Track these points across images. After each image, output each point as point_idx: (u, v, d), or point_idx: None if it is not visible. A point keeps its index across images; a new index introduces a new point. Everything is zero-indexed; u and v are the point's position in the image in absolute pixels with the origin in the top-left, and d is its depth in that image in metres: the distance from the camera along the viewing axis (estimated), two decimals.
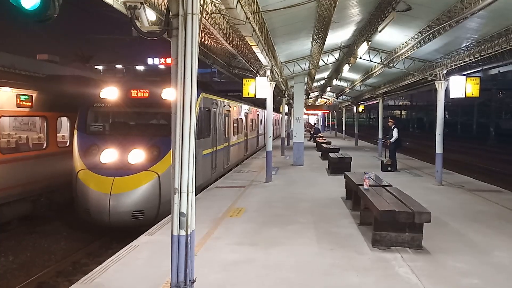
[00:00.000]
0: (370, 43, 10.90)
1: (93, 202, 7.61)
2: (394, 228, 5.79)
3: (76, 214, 8.20)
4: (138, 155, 8.18)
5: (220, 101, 12.61)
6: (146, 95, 9.06)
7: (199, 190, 9.80)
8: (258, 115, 23.19)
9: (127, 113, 9.34)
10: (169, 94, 8.62)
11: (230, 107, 14.25)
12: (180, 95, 3.54)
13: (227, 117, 13.65)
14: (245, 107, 18.04)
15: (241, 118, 16.96)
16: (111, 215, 7.44)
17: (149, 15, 4.49)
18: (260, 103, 21.20)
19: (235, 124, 15.53)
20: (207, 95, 10.88)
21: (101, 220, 7.55)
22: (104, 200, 7.48)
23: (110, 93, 9.01)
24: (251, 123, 20.16)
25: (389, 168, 14.08)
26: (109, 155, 8.22)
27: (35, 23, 3.16)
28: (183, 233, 3.59)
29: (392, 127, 14.56)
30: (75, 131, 8.95)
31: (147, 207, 7.74)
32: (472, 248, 5.96)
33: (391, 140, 14.35)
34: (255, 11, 7.15)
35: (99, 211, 7.51)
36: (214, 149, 11.57)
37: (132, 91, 9.07)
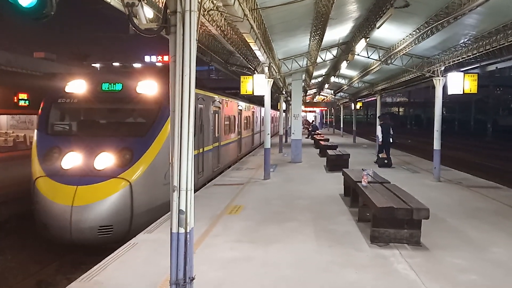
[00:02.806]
0: (368, 39, 10.89)
1: (51, 215, 6.52)
2: (392, 224, 5.80)
3: (35, 229, 7.13)
4: (106, 160, 7.08)
5: (209, 96, 11.44)
6: (119, 88, 8.02)
7: None
8: (254, 112, 21.96)
9: (96, 109, 8.25)
10: (145, 87, 7.93)
11: (221, 103, 13.10)
12: (178, 92, 3.53)
13: (217, 115, 12.45)
14: (238, 104, 17.00)
15: (234, 116, 15.80)
16: (73, 232, 6.36)
17: (147, 12, 4.46)
18: (256, 99, 20.31)
19: (227, 122, 14.37)
20: None
21: (61, 237, 6.50)
22: (65, 213, 6.39)
23: (77, 86, 7.98)
24: (245, 121, 18.94)
25: (385, 161, 14.39)
26: (72, 160, 7.11)
27: (32, 21, 3.12)
28: (182, 230, 3.58)
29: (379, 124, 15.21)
30: (35, 131, 7.93)
31: (116, 221, 6.67)
32: (470, 244, 5.99)
33: (380, 140, 14.84)
34: (253, 8, 7.13)
35: (58, 226, 6.43)
36: (201, 150, 10.41)
37: (102, 84, 8.05)
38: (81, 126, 8.22)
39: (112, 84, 8.05)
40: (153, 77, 8.12)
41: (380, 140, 14.73)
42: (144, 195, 7.11)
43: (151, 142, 7.45)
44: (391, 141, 14.86)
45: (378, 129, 14.98)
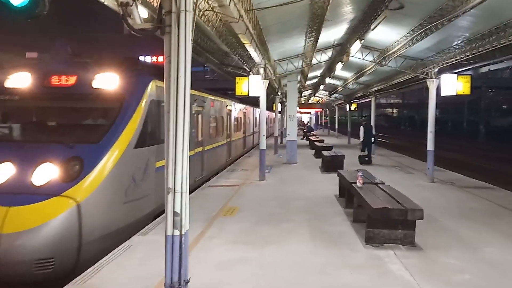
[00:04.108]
0: (362, 41, 10.93)
1: None
2: (387, 225, 5.82)
3: None
4: (48, 172, 5.54)
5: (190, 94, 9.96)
6: (71, 83, 6.53)
7: (150, 219, 7.08)
8: (246, 112, 20.41)
9: (41, 109, 6.81)
10: (104, 81, 6.54)
11: (205, 102, 11.54)
12: (173, 93, 3.51)
13: (200, 115, 10.98)
14: (228, 103, 15.59)
15: (222, 117, 14.32)
16: (2, 266, 4.85)
17: (141, 12, 4.44)
18: (248, 99, 19.49)
19: (214, 124, 12.86)
20: (162, 84, 7.34)
21: None
22: None
23: (20, 80, 6.60)
24: (235, 122, 17.40)
25: (366, 159, 15.56)
26: (5, 173, 5.59)
27: (24, 21, 3.09)
28: (177, 233, 3.56)
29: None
30: None
31: (59, 252, 5.10)
32: (464, 245, 6.02)
33: (361, 139, 16.25)
34: (248, 9, 7.11)
35: None
36: None
37: (51, 77, 6.57)
38: (21, 130, 6.57)
39: (62, 77, 6.60)
40: (114, 69, 6.73)
41: (361, 139, 15.91)
42: (97, 218, 5.65)
43: (107, 149, 5.97)
44: (372, 140, 16.14)
45: (361, 130, 15.97)
